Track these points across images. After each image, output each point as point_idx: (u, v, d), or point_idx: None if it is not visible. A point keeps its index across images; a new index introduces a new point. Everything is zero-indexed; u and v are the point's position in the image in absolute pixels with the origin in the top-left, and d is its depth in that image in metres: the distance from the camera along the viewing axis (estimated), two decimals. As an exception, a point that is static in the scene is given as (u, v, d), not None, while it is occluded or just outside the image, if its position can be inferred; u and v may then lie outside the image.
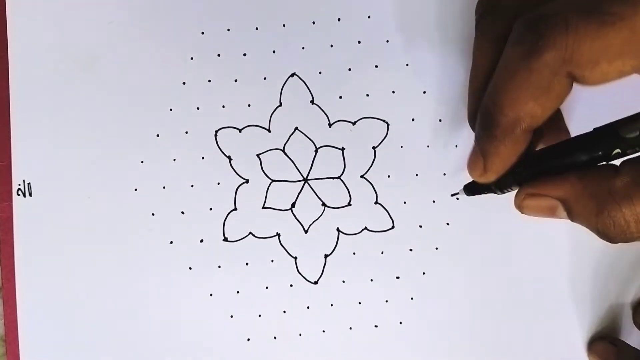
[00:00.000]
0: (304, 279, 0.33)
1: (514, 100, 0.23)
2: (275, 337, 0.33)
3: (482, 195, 0.30)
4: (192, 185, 0.33)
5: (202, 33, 0.32)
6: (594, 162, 0.25)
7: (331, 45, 0.33)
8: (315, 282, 0.33)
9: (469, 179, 0.30)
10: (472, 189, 0.30)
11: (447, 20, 0.33)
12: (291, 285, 0.33)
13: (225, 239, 0.33)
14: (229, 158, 0.33)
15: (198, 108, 0.33)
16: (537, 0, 0.23)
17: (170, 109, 0.33)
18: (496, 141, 0.25)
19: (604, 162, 0.25)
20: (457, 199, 0.33)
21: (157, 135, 0.33)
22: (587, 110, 0.32)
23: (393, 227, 0.33)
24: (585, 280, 0.34)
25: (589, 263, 0.34)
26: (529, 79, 0.23)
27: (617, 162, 0.24)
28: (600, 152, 0.24)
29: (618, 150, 0.24)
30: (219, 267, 0.33)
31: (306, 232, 0.33)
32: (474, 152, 0.27)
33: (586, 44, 0.21)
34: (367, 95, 0.33)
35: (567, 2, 0.22)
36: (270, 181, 0.33)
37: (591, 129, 0.25)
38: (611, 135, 0.24)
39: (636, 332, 0.34)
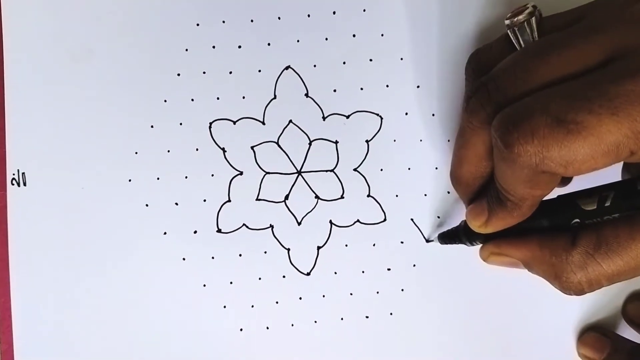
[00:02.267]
0: (296, 270, 0.34)
1: (512, 187, 0.26)
2: (267, 328, 0.34)
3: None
4: (186, 177, 0.33)
5: (197, 25, 0.32)
6: (554, 227, 0.28)
7: (326, 39, 0.33)
8: (308, 274, 0.34)
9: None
10: (445, 239, 0.32)
11: (441, 15, 0.33)
12: (284, 277, 0.34)
13: (219, 230, 0.33)
14: (223, 150, 0.33)
15: (192, 100, 0.33)
16: (520, 86, 0.25)
17: (165, 101, 0.33)
18: (504, 210, 0.27)
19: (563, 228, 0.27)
20: (428, 242, 0.34)
21: (152, 127, 0.33)
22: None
23: (385, 220, 0.34)
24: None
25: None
26: (514, 176, 0.25)
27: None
28: (561, 221, 0.27)
29: (577, 220, 0.27)
30: (213, 258, 0.33)
31: (299, 224, 0.34)
32: (479, 205, 0.29)
33: (554, 151, 0.23)
34: (361, 89, 0.33)
35: (537, 104, 0.23)
36: (264, 173, 0.33)
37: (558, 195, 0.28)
38: (571, 206, 0.27)
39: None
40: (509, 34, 0.28)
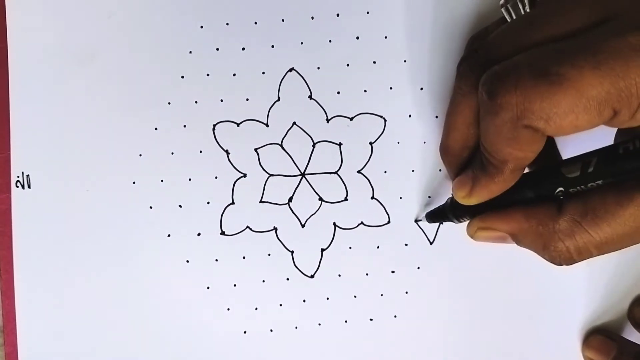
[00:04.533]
0: (300, 273, 0.34)
1: (495, 146, 0.26)
2: (271, 330, 0.34)
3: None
4: (189, 179, 0.33)
5: (201, 27, 0.32)
6: (540, 198, 0.27)
7: (330, 41, 0.33)
8: (312, 276, 0.34)
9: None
10: (433, 217, 0.32)
11: (445, 18, 0.33)
12: (288, 279, 0.34)
13: (223, 233, 0.33)
14: (227, 152, 0.33)
15: (196, 102, 0.33)
16: (509, 50, 0.25)
17: (169, 103, 0.33)
18: (487, 176, 0.27)
19: (548, 198, 0.27)
20: (417, 223, 0.34)
21: (156, 129, 0.33)
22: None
23: (389, 222, 0.34)
24: (580, 272, 0.34)
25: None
26: (497, 131, 0.25)
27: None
28: (545, 189, 0.27)
29: (561, 189, 0.26)
30: (216, 260, 0.33)
31: (303, 226, 0.33)
32: (464, 175, 0.29)
33: (536, 103, 0.23)
34: (365, 91, 0.33)
35: (523, 60, 0.24)
36: (268, 175, 0.33)
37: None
38: (555, 175, 0.27)
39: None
40: (503, 12, 0.29)
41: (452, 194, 0.30)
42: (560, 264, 0.27)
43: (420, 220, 0.33)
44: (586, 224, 0.26)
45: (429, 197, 0.34)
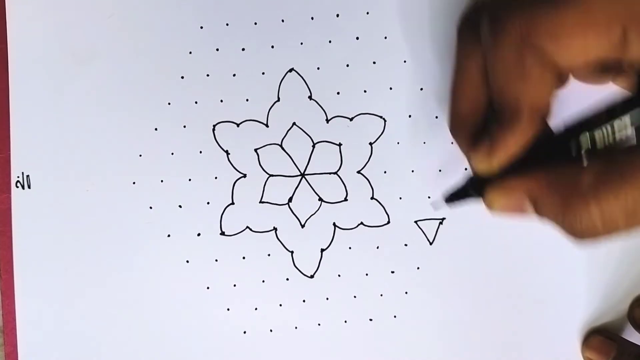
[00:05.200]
0: (300, 273, 0.34)
1: (505, 85, 0.24)
2: (271, 330, 0.34)
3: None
4: (189, 179, 0.33)
5: (201, 27, 0.33)
6: (565, 157, 0.25)
7: (329, 41, 0.33)
8: (311, 276, 0.34)
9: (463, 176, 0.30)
10: (453, 198, 0.30)
11: (444, 18, 0.33)
12: (287, 279, 0.34)
13: (223, 233, 0.33)
14: (227, 152, 0.33)
15: (196, 102, 0.33)
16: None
17: (169, 103, 0.33)
18: (503, 130, 0.25)
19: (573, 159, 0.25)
20: (436, 209, 0.33)
21: (155, 129, 0.33)
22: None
23: (389, 222, 0.34)
24: (580, 273, 0.34)
25: (586, 256, 0.34)
26: (505, 65, 0.23)
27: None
28: (570, 142, 0.24)
29: (586, 136, 0.24)
30: (216, 260, 0.33)
31: (303, 226, 0.33)
32: (480, 143, 0.26)
33: (541, 21, 0.22)
34: (365, 91, 0.33)
35: None
36: (268, 176, 0.33)
37: None
38: (579, 127, 0.25)
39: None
40: None
41: (468, 173, 0.29)
42: (583, 237, 0.24)
43: (437, 205, 0.32)
44: (612, 182, 0.22)
45: (429, 197, 0.34)
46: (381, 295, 0.34)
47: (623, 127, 0.23)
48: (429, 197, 0.34)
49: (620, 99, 0.24)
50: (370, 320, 0.34)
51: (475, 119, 0.27)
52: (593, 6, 0.21)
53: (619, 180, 0.22)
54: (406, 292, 0.34)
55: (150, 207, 0.33)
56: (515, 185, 0.25)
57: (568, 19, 0.22)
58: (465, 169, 0.33)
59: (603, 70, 0.25)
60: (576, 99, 0.27)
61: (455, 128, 0.29)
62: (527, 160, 0.25)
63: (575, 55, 0.22)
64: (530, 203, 0.25)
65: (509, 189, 0.26)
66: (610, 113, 0.24)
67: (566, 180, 0.24)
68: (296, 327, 0.34)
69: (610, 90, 0.25)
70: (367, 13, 0.33)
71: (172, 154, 0.33)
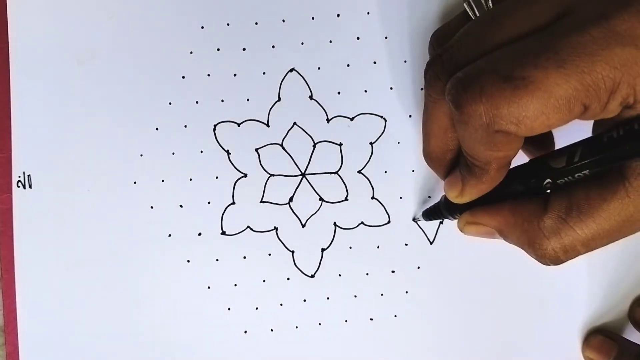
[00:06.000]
0: (300, 273, 0.34)
1: (474, 151, 0.25)
2: (272, 330, 0.34)
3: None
4: (190, 179, 0.33)
5: (202, 27, 0.33)
6: (529, 191, 0.27)
7: (330, 41, 0.33)
8: (312, 276, 0.34)
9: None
10: (429, 215, 0.32)
11: (444, 18, 0.33)
12: (288, 279, 0.34)
13: (223, 233, 0.33)
14: (228, 152, 0.33)
15: (197, 102, 0.33)
16: (473, 52, 0.25)
17: (170, 103, 0.33)
18: (474, 177, 0.27)
19: (537, 191, 0.27)
20: (417, 222, 0.34)
21: (157, 129, 0.33)
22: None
23: (389, 222, 0.34)
24: (581, 272, 0.34)
25: (587, 257, 0.34)
26: (471, 138, 0.24)
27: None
28: (532, 181, 0.27)
29: (549, 180, 0.26)
30: (217, 260, 0.33)
31: (303, 226, 0.34)
32: (453, 176, 0.28)
33: (504, 108, 0.22)
34: (365, 91, 0.33)
35: (486, 65, 0.23)
36: (269, 175, 0.33)
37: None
38: (542, 166, 0.26)
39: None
40: (466, 7, 0.28)
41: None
42: (547, 264, 0.27)
43: (418, 219, 0.33)
44: (571, 221, 0.25)
45: (429, 197, 0.34)
46: (382, 294, 0.34)
47: (582, 175, 0.25)
48: (429, 197, 0.34)
49: (581, 148, 0.25)
50: (371, 319, 0.34)
51: (446, 155, 0.29)
52: (553, 90, 0.22)
53: (577, 218, 0.25)
54: (406, 292, 0.34)
55: (151, 207, 0.33)
56: (485, 221, 0.28)
57: (529, 105, 0.22)
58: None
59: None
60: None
61: (429, 162, 0.30)
62: (497, 189, 0.27)
63: (539, 130, 0.23)
64: (498, 234, 0.28)
65: (478, 224, 0.29)
66: (571, 164, 0.25)
67: (530, 221, 0.26)
68: (297, 327, 0.34)
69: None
70: (368, 13, 0.33)
71: (173, 153, 0.33)
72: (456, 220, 0.31)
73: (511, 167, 0.27)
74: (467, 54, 0.25)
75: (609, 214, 0.24)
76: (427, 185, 0.34)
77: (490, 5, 0.28)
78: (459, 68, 0.24)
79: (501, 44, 0.24)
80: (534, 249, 0.26)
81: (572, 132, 0.26)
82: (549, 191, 0.26)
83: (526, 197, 0.27)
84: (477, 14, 0.28)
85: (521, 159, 0.28)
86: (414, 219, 0.34)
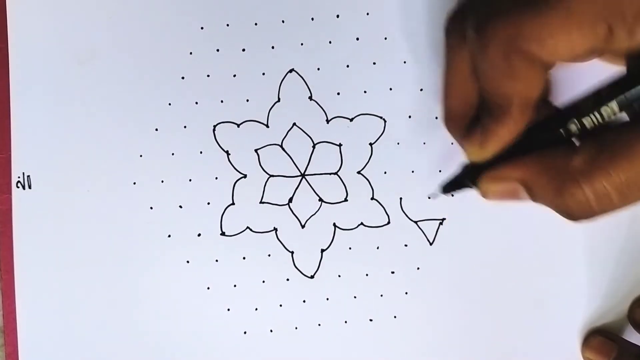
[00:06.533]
0: (300, 273, 0.34)
1: (494, 83, 0.24)
2: (271, 331, 0.34)
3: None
4: (190, 180, 0.33)
5: (202, 28, 0.33)
6: (556, 140, 0.25)
7: (330, 42, 0.33)
8: (312, 277, 0.34)
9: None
10: (448, 188, 0.31)
11: (444, 19, 0.33)
12: (288, 280, 0.34)
13: (223, 233, 0.33)
14: (227, 153, 0.33)
15: (197, 103, 0.33)
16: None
17: (169, 104, 0.33)
18: (495, 121, 0.25)
19: (564, 139, 0.25)
20: (430, 197, 0.33)
21: (156, 130, 0.33)
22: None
23: (389, 222, 0.34)
24: (581, 273, 0.34)
25: (587, 257, 0.34)
26: (492, 66, 0.24)
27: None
28: (559, 127, 0.25)
29: (575, 121, 0.24)
30: (217, 261, 0.33)
31: (303, 227, 0.34)
32: (472, 133, 0.27)
33: (526, 25, 0.22)
34: (365, 92, 0.33)
35: None
36: (268, 176, 0.33)
37: None
38: (568, 111, 0.25)
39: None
40: None
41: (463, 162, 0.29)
42: (579, 217, 0.24)
43: (435, 194, 0.32)
44: (603, 162, 0.23)
45: (429, 197, 0.34)
46: (381, 295, 0.34)
47: (611, 112, 0.24)
48: (429, 198, 0.34)
49: (607, 83, 0.24)
50: (371, 320, 0.34)
51: (467, 112, 0.28)
52: (575, 7, 0.21)
53: (609, 160, 0.23)
54: (406, 293, 0.34)
55: (151, 208, 0.33)
56: (509, 174, 0.26)
57: (552, 22, 0.22)
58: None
59: (590, 56, 0.25)
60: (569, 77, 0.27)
61: (448, 121, 0.30)
62: (520, 144, 0.26)
63: (562, 54, 0.22)
64: (524, 189, 0.26)
65: (502, 178, 0.26)
66: (597, 99, 0.24)
67: (558, 164, 0.24)
68: (296, 328, 0.34)
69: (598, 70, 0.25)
70: (367, 14, 0.33)
71: (173, 154, 0.33)
72: (476, 188, 0.29)
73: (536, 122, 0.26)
74: None
75: None
76: (428, 186, 0.33)
77: None
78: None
79: None
80: (563, 198, 0.24)
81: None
82: (578, 133, 0.24)
83: (552, 147, 0.25)
84: None
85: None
86: (429, 197, 0.33)
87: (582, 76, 0.26)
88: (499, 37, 0.23)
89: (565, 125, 0.25)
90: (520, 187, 0.26)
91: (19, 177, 0.32)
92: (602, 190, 0.23)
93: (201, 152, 0.33)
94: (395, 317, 0.34)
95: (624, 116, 0.24)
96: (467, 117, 0.28)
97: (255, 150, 0.33)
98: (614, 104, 0.23)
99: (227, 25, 0.33)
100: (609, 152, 0.23)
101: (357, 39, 0.33)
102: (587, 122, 0.24)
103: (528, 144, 0.26)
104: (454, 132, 0.30)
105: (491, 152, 0.26)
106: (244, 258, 0.33)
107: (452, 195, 0.33)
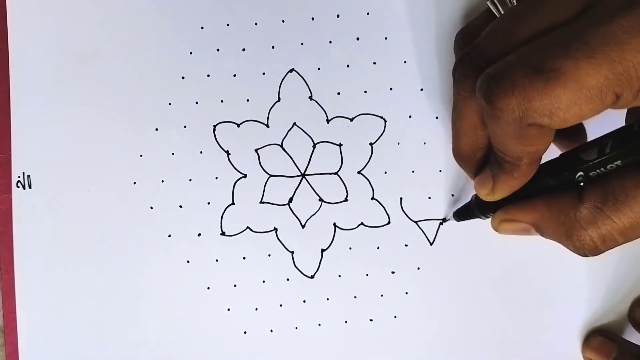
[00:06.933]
0: (300, 273, 0.34)
1: (505, 147, 0.26)
2: (271, 331, 0.34)
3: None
4: (190, 180, 0.33)
5: (202, 28, 0.33)
6: (561, 186, 0.27)
7: (330, 42, 0.33)
8: (312, 277, 0.34)
9: (463, 175, 0.31)
10: (460, 215, 0.32)
11: (445, 18, 0.33)
12: (288, 279, 0.34)
13: (223, 233, 0.33)
14: (227, 153, 0.33)
15: (197, 102, 0.33)
16: (501, 49, 0.25)
17: (169, 103, 0.33)
18: (505, 173, 0.27)
19: (569, 185, 0.27)
20: (441, 224, 0.34)
21: (156, 130, 0.33)
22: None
23: (389, 222, 0.34)
24: (581, 273, 0.34)
25: (588, 258, 0.34)
26: (503, 134, 0.25)
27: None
28: (565, 175, 0.27)
29: (581, 173, 0.26)
30: (217, 260, 0.33)
31: (303, 227, 0.34)
32: (484, 174, 0.29)
33: (536, 101, 0.22)
34: (365, 91, 0.33)
35: (516, 59, 0.23)
36: (268, 176, 0.33)
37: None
38: (574, 160, 0.26)
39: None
40: (490, 5, 0.29)
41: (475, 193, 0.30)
42: (586, 255, 0.27)
43: (448, 219, 0.33)
44: (608, 210, 0.25)
45: (429, 197, 0.34)
46: (381, 295, 0.34)
47: (614, 164, 0.25)
48: (429, 198, 0.34)
49: (610, 136, 0.25)
50: (371, 320, 0.34)
51: (476, 153, 0.29)
52: (585, 81, 0.22)
53: (613, 207, 0.25)
54: (406, 293, 0.34)
55: (151, 207, 0.33)
56: (521, 217, 0.28)
57: (562, 96, 0.22)
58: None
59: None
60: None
61: (459, 160, 0.30)
62: (529, 184, 0.27)
63: (572, 122, 0.23)
64: (534, 230, 0.28)
65: (514, 221, 0.29)
66: (601, 152, 0.25)
67: (567, 212, 0.26)
68: (296, 328, 0.34)
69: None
70: (368, 14, 0.33)
71: (173, 154, 0.33)
72: (486, 219, 0.31)
73: (542, 162, 0.27)
74: (496, 50, 0.25)
75: None
76: (428, 186, 0.33)
77: (514, 2, 0.28)
78: (488, 65, 0.25)
79: (529, 38, 0.24)
80: (572, 241, 0.26)
81: (605, 122, 0.26)
82: (582, 184, 0.26)
83: (559, 192, 0.27)
84: (502, 12, 0.28)
85: (551, 154, 0.28)
86: (443, 220, 0.34)
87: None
88: (511, 110, 0.23)
89: (573, 177, 0.26)
90: (531, 228, 0.28)
91: (19, 177, 0.32)
92: (608, 235, 0.25)
93: (201, 152, 0.33)
94: (395, 317, 0.34)
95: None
96: (477, 157, 0.29)
97: (256, 150, 0.33)
98: (618, 162, 0.25)
99: (227, 25, 0.33)
100: (612, 201, 0.25)
101: (358, 38, 0.33)
102: (592, 173, 0.26)
103: (536, 185, 0.27)
104: (464, 169, 0.31)
105: (500, 196, 0.28)
106: (244, 258, 0.33)
107: (453, 196, 0.34)
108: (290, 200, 0.33)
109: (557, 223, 0.27)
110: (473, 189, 0.30)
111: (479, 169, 0.29)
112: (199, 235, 0.33)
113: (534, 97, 0.22)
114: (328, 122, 0.33)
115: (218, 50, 0.33)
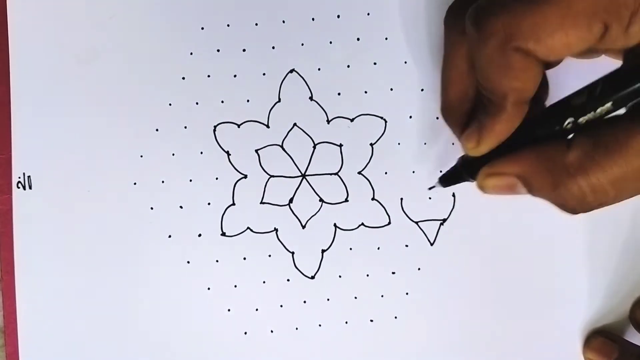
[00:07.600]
0: (301, 274, 0.34)
1: (490, 79, 0.25)
2: (272, 331, 0.34)
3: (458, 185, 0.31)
4: (190, 180, 0.33)
5: (202, 28, 0.33)
6: (550, 136, 0.25)
7: (330, 42, 0.33)
8: (312, 277, 0.34)
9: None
10: (447, 180, 0.31)
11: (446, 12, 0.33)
12: (288, 280, 0.34)
13: (223, 234, 0.33)
14: (228, 153, 0.33)
15: (197, 103, 0.33)
16: None
17: (170, 104, 0.33)
18: (491, 117, 0.26)
19: (560, 135, 0.25)
20: (430, 189, 0.33)
21: (157, 130, 0.33)
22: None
23: (389, 223, 0.34)
24: (582, 273, 0.34)
25: (588, 257, 0.34)
26: (489, 61, 0.24)
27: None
28: (554, 125, 0.25)
29: (571, 119, 0.25)
30: (217, 261, 0.33)
31: (304, 227, 0.33)
32: (470, 128, 0.27)
33: (523, 22, 0.22)
34: (366, 92, 0.33)
35: None
36: (269, 177, 0.33)
37: None
38: (562, 106, 0.25)
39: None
40: None
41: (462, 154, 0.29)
42: (575, 211, 0.25)
43: (434, 186, 0.32)
44: (598, 157, 0.23)
45: (430, 198, 0.34)
46: (382, 296, 0.34)
47: (605, 110, 0.24)
48: (429, 198, 0.34)
49: (601, 80, 0.24)
50: (371, 321, 0.34)
51: (464, 105, 0.28)
52: (573, 5, 0.22)
53: (604, 154, 0.23)
54: (407, 293, 0.34)
55: (151, 208, 0.33)
56: (506, 169, 0.26)
57: (549, 19, 0.22)
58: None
59: (586, 54, 0.26)
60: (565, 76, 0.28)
61: (446, 113, 0.30)
62: (516, 139, 0.26)
63: (559, 51, 0.23)
64: (521, 183, 0.26)
65: (499, 173, 0.27)
66: (592, 96, 0.24)
67: (554, 159, 0.25)
68: (297, 328, 0.34)
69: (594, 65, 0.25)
70: (368, 14, 0.33)
71: (173, 154, 0.33)
72: (474, 181, 0.29)
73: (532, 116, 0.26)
74: None
75: (638, 149, 0.23)
76: (428, 185, 0.33)
77: None
78: None
79: None
80: (559, 192, 0.25)
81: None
82: (571, 128, 0.25)
83: (547, 141, 0.25)
84: None
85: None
86: (429, 188, 0.33)
87: (577, 75, 0.26)
88: (497, 31, 0.23)
89: (562, 125, 0.25)
90: (517, 182, 0.26)
91: (19, 178, 0.32)
92: (598, 185, 0.24)
93: (202, 153, 0.33)
94: (395, 317, 0.34)
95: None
96: (464, 110, 0.29)
97: (256, 151, 0.33)
98: (608, 103, 0.24)
99: (228, 25, 0.33)
100: (603, 148, 0.23)
101: (358, 39, 0.33)
102: (582, 119, 0.25)
103: (524, 139, 0.26)
104: (452, 124, 0.30)
105: (487, 147, 0.27)
106: (244, 258, 0.33)
107: (453, 196, 0.33)
108: (291, 200, 0.33)
109: (545, 171, 0.25)
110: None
111: (466, 126, 0.28)
112: (199, 235, 0.33)
113: (521, 18, 0.22)
114: (328, 123, 0.33)
115: (218, 50, 0.33)
